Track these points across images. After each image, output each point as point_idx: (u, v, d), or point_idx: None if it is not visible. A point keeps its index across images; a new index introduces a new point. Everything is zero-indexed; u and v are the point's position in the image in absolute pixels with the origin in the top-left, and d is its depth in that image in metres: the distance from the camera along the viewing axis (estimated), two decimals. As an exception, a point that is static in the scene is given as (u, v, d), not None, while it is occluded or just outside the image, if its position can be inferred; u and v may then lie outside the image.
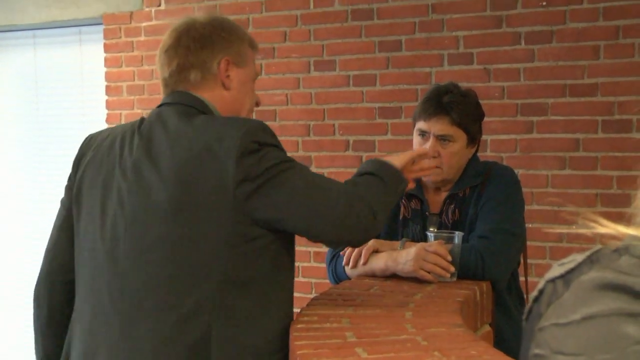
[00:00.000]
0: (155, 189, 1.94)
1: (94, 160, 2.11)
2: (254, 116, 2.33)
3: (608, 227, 0.82)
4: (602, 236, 0.81)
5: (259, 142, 1.92)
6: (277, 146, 1.99)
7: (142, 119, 2.12)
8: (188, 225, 1.91)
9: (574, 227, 0.86)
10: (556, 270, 0.83)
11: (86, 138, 2.23)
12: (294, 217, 1.94)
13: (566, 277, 0.81)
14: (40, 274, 2.23)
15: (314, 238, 2.04)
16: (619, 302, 0.72)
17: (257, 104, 2.27)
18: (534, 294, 0.85)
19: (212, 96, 2.10)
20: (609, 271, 0.76)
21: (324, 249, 4.71)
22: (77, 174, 2.14)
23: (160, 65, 2.15)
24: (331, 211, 1.96)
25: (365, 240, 2.21)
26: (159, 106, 2.13)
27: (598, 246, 0.82)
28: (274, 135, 2.00)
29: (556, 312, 0.78)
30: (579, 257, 0.82)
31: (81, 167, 2.14)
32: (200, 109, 2.06)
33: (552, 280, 0.82)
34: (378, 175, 2.13)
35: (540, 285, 0.84)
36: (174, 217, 1.91)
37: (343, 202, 1.98)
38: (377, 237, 2.72)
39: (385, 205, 2.11)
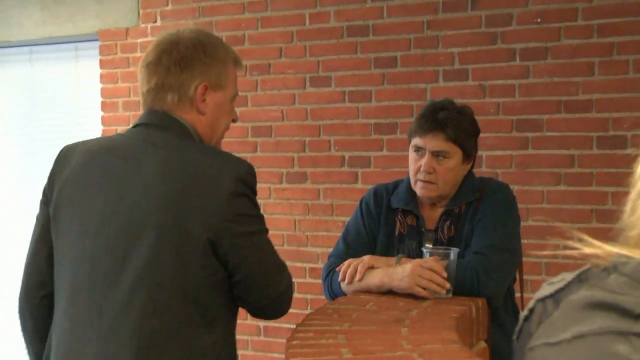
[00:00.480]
0: (140, 213, 1.98)
1: (74, 176, 2.10)
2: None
3: (595, 246, 0.82)
4: (589, 256, 0.81)
5: (249, 186, 2.04)
6: (256, 194, 2.10)
7: (122, 136, 2.15)
8: (169, 252, 1.96)
9: (560, 247, 0.86)
10: (546, 289, 0.83)
11: (61, 150, 2.20)
12: (249, 275, 2.06)
13: (556, 297, 0.81)
14: (21, 288, 2.23)
15: (248, 303, 2.13)
16: (609, 320, 0.72)
17: (234, 121, 2.29)
18: (524, 313, 0.85)
19: (189, 118, 2.13)
20: (598, 290, 0.76)
21: (319, 265, 4.71)
22: (55, 189, 2.13)
23: (140, 78, 2.18)
24: (274, 287, 2.11)
25: (277, 317, 2.23)
26: (139, 125, 2.15)
27: (587, 265, 0.82)
28: (255, 179, 2.10)
29: (546, 331, 0.78)
30: (568, 276, 0.82)
31: (58, 183, 2.13)
32: (180, 132, 2.09)
33: (542, 300, 0.82)
34: None
35: (530, 305, 0.84)
36: (157, 243, 1.96)
37: (287, 279, 2.15)
38: (373, 253, 2.73)
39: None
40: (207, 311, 2.00)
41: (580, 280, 0.80)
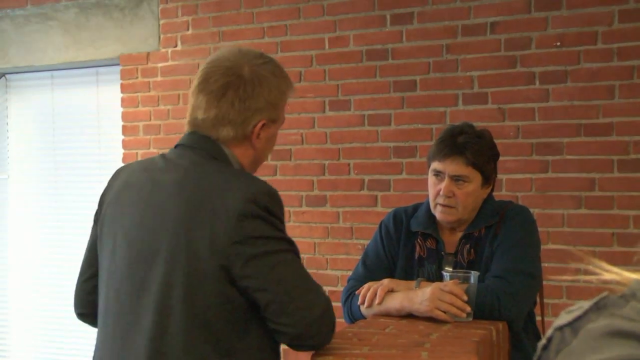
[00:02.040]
0: (155, 236, 1.99)
1: (115, 196, 2.13)
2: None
3: (613, 272, 0.81)
4: (608, 282, 0.81)
5: (262, 207, 1.95)
6: (280, 218, 2.01)
7: (161, 156, 2.14)
8: (182, 274, 1.94)
9: (582, 271, 0.85)
10: (564, 317, 0.83)
11: (116, 171, 2.24)
12: (275, 300, 1.95)
13: (574, 325, 0.80)
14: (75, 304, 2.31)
15: (283, 327, 1.99)
16: (628, 348, 0.72)
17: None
18: (542, 342, 0.84)
19: (239, 152, 2.11)
20: (617, 318, 0.76)
21: (339, 288, 4.70)
22: (102, 208, 2.17)
23: (196, 102, 2.10)
24: (308, 309, 1.98)
25: (321, 346, 2.10)
26: (179, 145, 2.14)
27: (604, 293, 0.82)
28: (278, 203, 2.02)
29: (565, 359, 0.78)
30: (585, 305, 0.82)
31: (105, 202, 2.17)
32: (215, 154, 2.08)
33: (560, 328, 0.82)
34: None
35: (548, 334, 0.84)
36: (168, 268, 1.96)
37: (324, 303, 2.02)
38: (392, 276, 2.72)
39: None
40: (219, 342, 1.95)
41: (598, 308, 0.80)
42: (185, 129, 2.16)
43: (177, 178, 2.03)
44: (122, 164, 5.54)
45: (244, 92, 2.06)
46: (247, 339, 2.00)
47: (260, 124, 2.09)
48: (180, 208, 1.97)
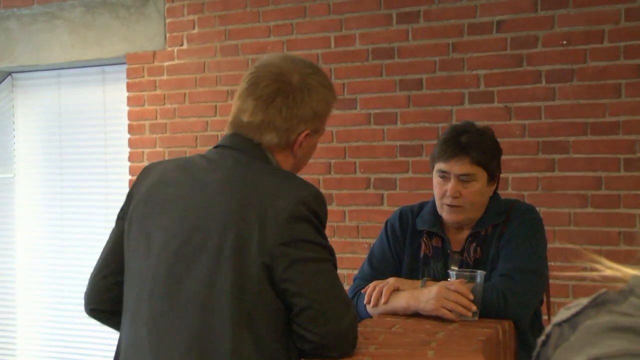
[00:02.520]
0: (200, 235, 1.96)
1: (147, 194, 2.10)
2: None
3: (614, 269, 0.81)
4: (610, 278, 0.81)
5: (312, 211, 1.95)
6: (325, 224, 2.01)
7: (200, 156, 2.13)
8: (230, 272, 1.91)
9: (588, 269, 0.85)
10: (563, 314, 0.83)
11: (144, 168, 2.21)
12: (310, 306, 1.93)
13: (572, 321, 0.80)
14: (84, 297, 2.25)
15: (311, 335, 1.97)
16: (625, 342, 0.72)
17: None
18: (541, 338, 0.84)
19: (280, 158, 2.10)
20: (615, 314, 0.76)
21: (345, 287, 4.69)
22: (131, 205, 2.13)
23: (243, 105, 2.09)
24: (337, 321, 1.96)
25: (344, 357, 2.07)
26: (219, 146, 2.12)
27: (603, 289, 0.82)
28: (325, 208, 2.03)
29: (562, 355, 0.78)
30: (584, 301, 0.82)
31: (134, 199, 2.13)
32: (258, 156, 2.06)
33: (559, 324, 0.82)
34: None
35: (547, 330, 0.84)
36: (217, 262, 1.92)
37: (352, 316, 2.01)
38: (398, 275, 2.72)
39: None
40: (262, 343, 1.93)
41: (596, 304, 0.80)
42: (226, 131, 2.14)
43: (223, 177, 2.01)
44: (128, 163, 5.58)
45: (292, 100, 2.05)
46: (284, 343, 1.98)
47: (304, 134, 2.08)
48: (228, 206, 1.95)
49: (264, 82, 2.07)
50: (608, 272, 0.81)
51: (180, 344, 1.94)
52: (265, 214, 1.90)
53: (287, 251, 1.89)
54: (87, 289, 2.22)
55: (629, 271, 0.81)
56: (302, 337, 1.97)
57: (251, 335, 1.91)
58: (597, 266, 0.82)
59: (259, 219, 1.90)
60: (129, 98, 5.67)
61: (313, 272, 1.93)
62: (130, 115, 5.66)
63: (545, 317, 2.83)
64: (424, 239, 2.78)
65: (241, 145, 2.07)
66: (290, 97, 2.05)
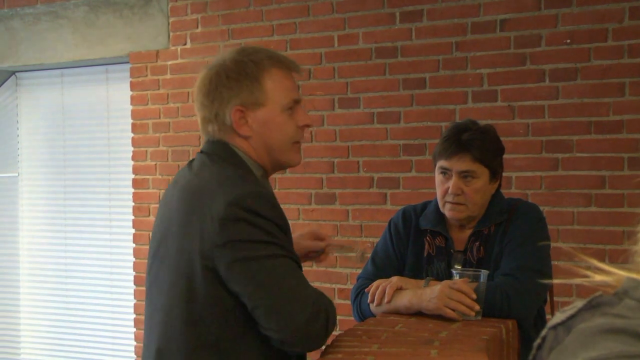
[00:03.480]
0: (166, 241, 2.10)
1: (160, 201, 2.29)
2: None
3: (605, 272, 0.81)
4: (600, 283, 0.81)
5: (247, 209, 1.94)
6: (271, 220, 1.99)
7: (187, 164, 2.25)
8: (178, 276, 2.03)
9: (592, 268, 0.85)
10: (558, 317, 0.83)
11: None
12: (258, 305, 1.96)
13: (567, 324, 0.80)
14: None
15: (268, 332, 1.99)
16: (620, 344, 0.71)
17: (307, 126, 2.22)
18: (537, 341, 0.84)
19: (237, 144, 2.13)
20: (610, 317, 0.76)
21: (349, 286, 4.70)
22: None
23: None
24: (290, 318, 1.96)
25: (310, 351, 2.10)
26: (200, 151, 2.22)
27: (598, 292, 0.82)
28: (268, 204, 2.00)
29: (557, 358, 0.78)
30: (579, 304, 0.82)
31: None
32: (225, 156, 2.11)
33: (554, 327, 0.82)
34: None
35: (542, 333, 0.84)
36: (175, 266, 2.05)
37: (310, 309, 1.97)
38: (402, 274, 2.72)
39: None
40: (218, 344, 2.00)
41: (591, 306, 0.80)
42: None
43: (183, 184, 2.12)
44: (132, 162, 5.59)
45: (204, 87, 2.14)
46: (246, 342, 2.01)
47: (234, 112, 2.09)
48: (179, 213, 2.06)
49: (195, 90, 2.19)
50: (598, 277, 0.81)
51: (152, 341, 2.11)
52: (204, 217, 1.97)
53: (224, 253, 1.93)
54: None
55: (620, 273, 0.81)
56: (266, 333, 1.99)
57: (206, 336, 2.00)
58: (589, 272, 0.82)
59: (200, 223, 1.98)
60: (132, 97, 5.67)
61: (254, 269, 1.94)
62: (134, 114, 5.66)
63: (548, 317, 2.83)
64: (428, 238, 2.78)
65: (206, 146, 2.18)
66: (203, 87, 2.14)
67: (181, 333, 2.01)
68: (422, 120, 4.72)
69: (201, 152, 2.18)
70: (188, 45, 5.44)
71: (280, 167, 2.24)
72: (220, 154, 2.12)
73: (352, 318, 2.78)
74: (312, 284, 2.07)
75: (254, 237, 1.94)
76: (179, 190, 2.11)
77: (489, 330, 2.29)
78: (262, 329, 1.98)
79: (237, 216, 1.93)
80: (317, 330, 1.99)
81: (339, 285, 4.88)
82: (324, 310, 2.01)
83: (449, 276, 2.60)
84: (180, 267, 2.01)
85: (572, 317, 0.80)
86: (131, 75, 5.66)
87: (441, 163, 2.72)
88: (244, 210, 1.93)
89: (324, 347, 2.11)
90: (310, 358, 2.18)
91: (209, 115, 2.12)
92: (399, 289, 2.56)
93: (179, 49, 5.48)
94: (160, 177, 5.54)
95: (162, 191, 5.47)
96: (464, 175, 2.68)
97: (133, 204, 5.65)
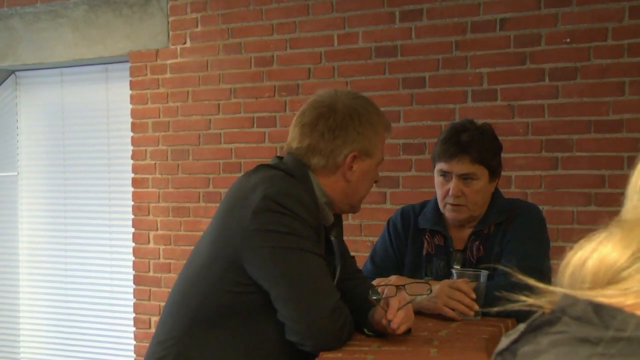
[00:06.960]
0: (211, 223, 2.21)
1: None
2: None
3: (542, 291, 0.81)
4: (533, 306, 0.81)
5: (279, 203, 2.02)
6: (301, 216, 2.05)
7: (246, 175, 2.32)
8: (210, 260, 2.13)
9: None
10: (503, 342, 0.83)
11: None
12: (281, 292, 2.03)
13: (511, 348, 0.80)
14: None
15: (286, 320, 2.04)
16: (566, 347, 0.72)
17: (376, 182, 2.32)
18: None
19: (329, 182, 2.18)
20: (553, 334, 0.76)
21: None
22: None
23: (292, 134, 2.22)
24: (316, 307, 2.00)
25: (323, 349, 2.07)
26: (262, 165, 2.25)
27: (538, 312, 0.82)
28: (300, 202, 2.06)
29: None
30: (522, 327, 0.82)
31: None
32: (298, 179, 2.15)
33: (500, 353, 0.82)
34: None
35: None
36: (210, 243, 2.15)
37: (332, 306, 2.02)
38: (401, 273, 2.72)
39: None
40: (230, 327, 2.10)
41: (533, 329, 0.80)
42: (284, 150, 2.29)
43: (235, 183, 2.22)
44: (131, 161, 5.59)
45: (333, 122, 2.16)
46: (261, 329, 2.09)
47: (351, 156, 2.16)
48: (224, 203, 2.16)
49: (308, 111, 2.20)
50: (531, 301, 0.82)
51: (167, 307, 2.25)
52: (244, 211, 2.05)
53: (250, 241, 2.02)
54: None
55: (557, 290, 0.81)
56: (286, 325, 2.04)
57: (220, 320, 2.10)
58: (522, 296, 0.83)
59: (240, 214, 2.07)
60: (132, 96, 5.66)
61: (278, 259, 2.01)
62: (133, 114, 5.66)
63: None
64: (427, 237, 2.78)
65: (282, 162, 2.21)
66: (331, 119, 2.16)
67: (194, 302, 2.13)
68: (422, 120, 4.71)
69: (270, 165, 2.22)
70: (188, 44, 5.44)
71: (344, 210, 2.32)
72: (291, 172, 2.16)
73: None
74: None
75: (282, 229, 2.02)
76: (229, 188, 2.20)
77: (489, 329, 2.29)
78: (281, 317, 2.03)
79: (270, 208, 2.01)
80: (333, 330, 2.02)
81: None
82: (345, 314, 2.06)
83: (448, 275, 2.60)
84: (215, 247, 2.11)
85: (516, 342, 0.80)
86: (131, 75, 5.66)
87: (440, 166, 2.71)
88: (277, 204, 2.02)
89: None
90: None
91: (324, 148, 2.16)
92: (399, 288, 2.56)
93: (178, 48, 5.48)
94: (159, 176, 5.53)
95: (162, 190, 5.48)
96: (464, 177, 2.67)
97: (133, 203, 5.65)
